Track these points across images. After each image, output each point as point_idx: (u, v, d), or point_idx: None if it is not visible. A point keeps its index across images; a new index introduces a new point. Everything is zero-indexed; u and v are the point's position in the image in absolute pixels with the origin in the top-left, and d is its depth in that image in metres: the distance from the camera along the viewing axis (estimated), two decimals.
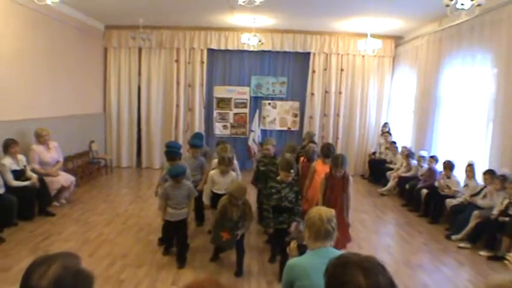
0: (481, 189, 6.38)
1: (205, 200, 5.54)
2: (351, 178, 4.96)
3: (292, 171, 4.67)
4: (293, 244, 3.02)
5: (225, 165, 5.33)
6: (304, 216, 4.53)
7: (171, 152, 5.49)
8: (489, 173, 6.18)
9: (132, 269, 4.67)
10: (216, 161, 6.07)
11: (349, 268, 1.48)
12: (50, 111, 7.76)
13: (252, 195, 6.43)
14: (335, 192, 4.81)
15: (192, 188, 5.01)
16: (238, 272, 4.67)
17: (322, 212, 2.64)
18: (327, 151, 5.53)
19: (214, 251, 5.05)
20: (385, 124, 10.78)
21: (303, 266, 2.46)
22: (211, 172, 5.54)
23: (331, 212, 2.67)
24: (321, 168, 5.35)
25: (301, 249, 2.93)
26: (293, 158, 5.35)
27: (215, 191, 5.36)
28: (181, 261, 4.82)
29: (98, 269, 4.59)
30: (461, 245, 5.89)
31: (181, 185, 4.82)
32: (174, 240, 5.06)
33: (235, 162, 6.19)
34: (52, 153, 6.92)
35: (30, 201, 6.12)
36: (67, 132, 8.35)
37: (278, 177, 4.77)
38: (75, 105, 8.87)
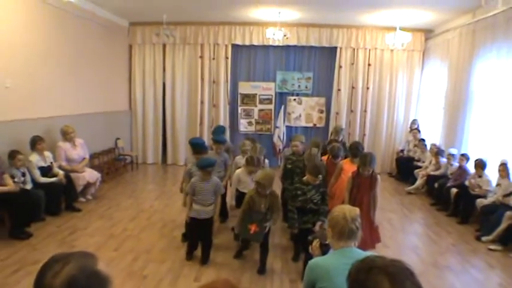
0: None
1: (230, 199, 5.46)
2: (378, 177, 4.80)
3: (320, 176, 4.54)
4: (315, 243, 2.94)
5: (253, 165, 5.22)
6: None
7: (197, 144, 5.38)
8: None
9: (155, 264, 4.68)
10: (239, 158, 6.04)
11: (373, 273, 1.37)
12: (77, 108, 7.88)
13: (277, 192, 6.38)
14: (362, 191, 4.69)
15: (219, 183, 4.86)
16: (261, 270, 4.61)
17: (346, 210, 2.54)
18: (356, 150, 5.36)
19: (238, 248, 4.99)
20: (414, 121, 10.49)
21: (325, 266, 2.38)
22: (238, 171, 5.45)
23: (356, 210, 2.57)
24: (349, 167, 5.20)
25: (324, 249, 2.85)
26: (323, 163, 5.15)
27: (241, 190, 5.29)
28: (205, 258, 4.77)
29: (122, 264, 4.66)
30: (492, 247, 5.66)
31: (209, 179, 4.67)
32: (198, 240, 4.86)
33: (266, 161, 6.19)
34: (78, 150, 7.02)
35: (57, 197, 6.23)
36: (93, 129, 8.46)
37: (304, 178, 4.64)
38: (101, 103, 8.98)
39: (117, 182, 8.60)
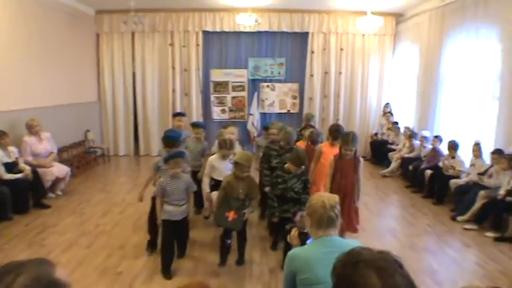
0: (488, 169, 6.22)
1: (206, 188, 5.07)
2: (361, 160, 4.62)
3: (303, 167, 4.39)
4: (294, 232, 2.86)
5: (226, 148, 4.97)
6: None
7: (169, 137, 4.90)
8: (497, 153, 5.98)
9: (129, 260, 4.53)
10: (215, 147, 5.80)
11: (360, 267, 1.27)
12: (42, 101, 7.55)
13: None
14: (345, 175, 4.49)
15: (190, 181, 4.39)
16: (240, 261, 4.51)
17: (325, 198, 2.45)
18: (336, 133, 5.07)
19: (220, 250, 4.48)
20: (387, 104, 10.56)
21: (304, 257, 2.30)
22: (210, 158, 5.20)
23: (335, 198, 2.48)
24: (329, 150, 5.02)
25: (303, 237, 2.77)
26: (305, 152, 4.73)
27: (216, 178, 5.06)
28: (182, 250, 4.61)
29: (95, 261, 4.49)
30: (467, 226, 5.74)
31: (179, 177, 4.20)
32: (173, 248, 4.36)
33: (238, 145, 5.93)
34: (44, 144, 6.73)
35: (24, 194, 5.97)
36: (61, 122, 8.15)
37: (286, 166, 4.47)
38: (68, 94, 8.65)
39: (88, 176, 8.34)
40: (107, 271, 4.25)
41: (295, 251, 2.42)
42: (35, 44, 7.32)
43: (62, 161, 7.58)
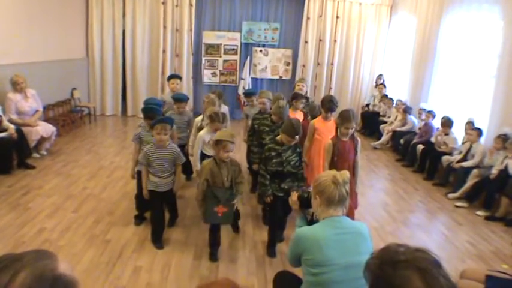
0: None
1: (197, 165, 4.63)
2: (359, 140, 4.27)
3: (297, 137, 3.92)
4: (293, 195, 2.74)
5: (218, 121, 4.50)
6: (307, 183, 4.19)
7: (148, 108, 4.50)
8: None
9: (118, 227, 4.40)
10: (199, 118, 5.28)
11: (401, 268, 1.18)
12: (27, 56, 7.18)
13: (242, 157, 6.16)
14: (345, 157, 4.09)
15: (178, 151, 4.08)
16: (235, 228, 4.43)
17: (336, 173, 2.31)
18: (330, 103, 4.70)
19: (210, 244, 4.01)
20: (380, 76, 10.44)
21: (313, 238, 2.20)
22: (201, 133, 4.71)
23: (346, 173, 2.33)
24: (322, 126, 4.69)
25: (302, 200, 2.67)
26: (298, 120, 4.17)
27: (207, 153, 4.61)
28: (173, 219, 4.50)
29: (82, 227, 4.36)
30: (459, 204, 5.76)
31: (165, 146, 3.94)
32: (163, 217, 4.20)
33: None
34: (30, 102, 6.44)
35: (7, 154, 5.73)
36: (46, 79, 7.81)
37: (278, 137, 4.02)
38: (54, 50, 8.25)
39: (74, 136, 8.09)
40: (95, 238, 4.13)
41: (303, 230, 2.32)
42: None
43: (47, 119, 7.31)
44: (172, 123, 4.07)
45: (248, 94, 6.19)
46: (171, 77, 6.15)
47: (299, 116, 5.14)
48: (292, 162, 3.97)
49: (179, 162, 4.08)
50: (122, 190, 5.47)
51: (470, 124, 6.51)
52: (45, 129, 6.56)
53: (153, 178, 3.97)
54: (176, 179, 4.13)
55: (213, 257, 3.92)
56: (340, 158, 4.08)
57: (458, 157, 6.41)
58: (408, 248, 1.26)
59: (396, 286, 1.17)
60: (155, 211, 4.12)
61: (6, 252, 1.08)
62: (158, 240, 4.09)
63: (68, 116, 8.46)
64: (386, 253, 1.26)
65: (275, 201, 4.00)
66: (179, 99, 5.37)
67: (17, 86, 6.24)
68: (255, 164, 4.79)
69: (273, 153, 3.93)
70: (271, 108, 5.13)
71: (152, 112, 4.36)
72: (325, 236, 2.19)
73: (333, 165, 4.04)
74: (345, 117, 4.04)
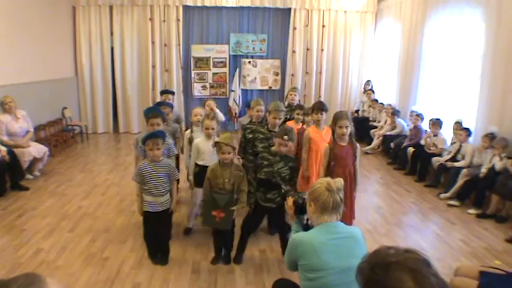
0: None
1: (191, 177, 4.62)
2: (358, 145, 4.11)
3: (285, 137, 3.77)
4: (289, 200, 2.80)
5: (208, 118, 4.42)
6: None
7: (149, 109, 4.49)
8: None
9: (115, 245, 4.40)
10: (188, 131, 5.16)
11: (392, 270, 1.23)
12: (17, 77, 7.21)
13: None
14: (342, 163, 3.92)
15: (172, 166, 3.96)
16: (226, 258, 4.11)
17: (330, 181, 2.36)
18: (319, 104, 4.70)
19: (215, 249, 4.13)
20: (368, 81, 10.59)
21: (310, 243, 2.26)
22: (196, 141, 4.56)
23: (340, 181, 2.39)
24: (316, 135, 4.55)
25: (299, 206, 2.74)
26: (293, 128, 4.11)
27: (201, 163, 4.45)
28: (165, 255, 4.10)
29: (79, 246, 4.36)
30: (451, 202, 5.84)
31: (159, 161, 3.83)
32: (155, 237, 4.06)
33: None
34: (20, 123, 6.45)
35: (0, 176, 5.74)
36: (37, 99, 7.85)
37: (272, 148, 3.95)
38: (43, 70, 8.30)
39: (67, 155, 8.10)
40: (92, 257, 4.12)
41: (300, 236, 2.37)
42: (6, 18, 6.95)
43: (38, 140, 7.33)
44: (164, 137, 3.95)
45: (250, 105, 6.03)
46: (164, 92, 6.15)
47: (325, 133, 4.64)
48: (282, 175, 3.87)
49: (174, 177, 3.98)
50: (117, 207, 5.48)
51: (458, 124, 6.61)
52: (37, 149, 6.57)
53: (148, 197, 3.82)
54: (173, 195, 4.00)
55: (215, 261, 4.04)
56: (337, 163, 3.93)
57: (448, 157, 6.50)
58: (398, 249, 1.31)
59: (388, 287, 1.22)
60: (148, 234, 4.01)
61: (2, 276, 1.10)
62: (154, 256, 4.08)
63: (60, 136, 8.47)
64: (377, 256, 1.31)
65: (256, 209, 3.96)
66: (162, 105, 5.28)
67: (5, 105, 6.25)
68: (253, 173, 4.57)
69: (265, 162, 3.89)
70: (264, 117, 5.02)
71: (154, 111, 4.39)
72: (320, 241, 2.24)
73: (330, 170, 3.93)
74: (337, 116, 3.95)
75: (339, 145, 3.97)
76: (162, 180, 3.82)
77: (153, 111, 4.37)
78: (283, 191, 3.10)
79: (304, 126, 5.11)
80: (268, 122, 4.73)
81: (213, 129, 4.44)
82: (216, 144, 3.85)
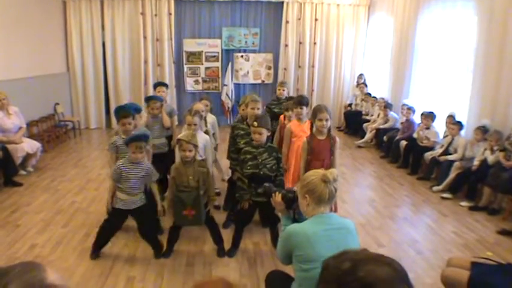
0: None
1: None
2: (338, 139, 4.11)
3: (255, 123, 3.83)
4: (277, 196, 2.75)
5: (189, 114, 4.40)
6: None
7: (118, 108, 4.42)
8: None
9: None
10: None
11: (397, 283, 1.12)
12: (8, 73, 7.14)
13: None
14: (318, 157, 3.96)
15: (151, 168, 3.94)
16: (221, 251, 4.14)
17: (325, 171, 2.36)
18: (299, 97, 4.72)
19: (169, 237, 4.11)
20: (360, 75, 10.61)
21: (305, 234, 2.26)
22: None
23: (335, 171, 2.39)
24: (297, 128, 4.57)
25: (288, 200, 2.71)
26: (267, 115, 4.29)
27: None
28: (157, 250, 4.09)
29: (73, 241, 4.37)
30: (444, 195, 5.89)
31: (140, 162, 3.82)
32: (114, 233, 4.08)
33: (212, 121, 5.31)
34: (13, 119, 6.41)
35: None
36: (28, 95, 7.77)
37: (253, 141, 3.95)
38: (34, 66, 8.22)
39: (60, 151, 8.06)
40: (87, 251, 4.09)
41: (294, 227, 2.37)
42: None
43: (31, 136, 7.29)
44: (147, 139, 3.94)
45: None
46: (157, 84, 6.00)
47: (306, 127, 4.50)
48: (268, 165, 3.87)
49: (153, 179, 3.96)
50: None
51: (451, 118, 6.65)
52: (30, 145, 6.54)
53: (122, 195, 3.82)
54: (156, 199, 4.01)
55: (166, 254, 4.07)
56: (313, 157, 3.98)
57: (440, 151, 6.55)
58: (383, 261, 1.17)
59: None
60: (111, 224, 4.00)
61: None
62: (96, 250, 4.04)
63: (53, 131, 8.42)
64: (376, 272, 1.14)
65: (251, 206, 3.98)
66: (150, 98, 5.22)
67: None
68: (236, 172, 4.52)
69: (248, 156, 3.90)
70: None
71: (123, 111, 4.30)
72: (314, 232, 2.26)
73: (307, 164, 3.98)
74: (316, 109, 3.97)
75: (316, 139, 4.01)
76: (138, 181, 3.83)
77: (124, 111, 4.26)
78: (262, 189, 3.00)
79: (286, 121, 5.08)
80: (246, 117, 4.70)
81: (195, 124, 4.42)
82: (178, 141, 3.83)
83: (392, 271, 1.13)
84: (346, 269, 1.14)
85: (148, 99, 5.24)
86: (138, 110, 4.72)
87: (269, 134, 4.06)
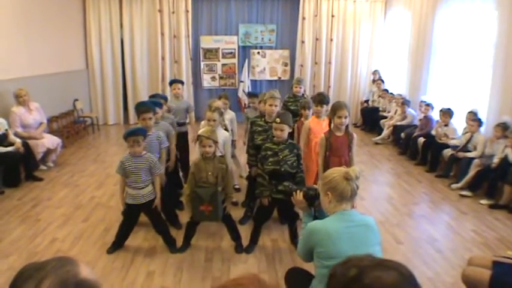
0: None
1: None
2: (355, 135, 4.11)
3: (278, 119, 3.84)
4: (299, 194, 2.73)
5: (210, 110, 4.51)
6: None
7: (140, 104, 4.54)
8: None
9: None
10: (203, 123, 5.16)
11: None
12: (29, 70, 7.27)
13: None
14: (337, 153, 3.97)
15: (154, 160, 3.97)
16: (239, 247, 4.15)
17: (348, 169, 2.34)
18: (320, 96, 4.73)
19: (185, 232, 4.18)
20: (375, 71, 10.50)
21: (327, 231, 2.26)
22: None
23: (356, 168, 2.37)
24: (316, 126, 4.58)
25: (310, 197, 2.70)
26: (288, 113, 4.19)
27: None
28: (171, 245, 4.15)
29: (94, 236, 4.44)
30: (463, 193, 5.81)
31: (140, 154, 3.88)
32: (131, 229, 4.19)
33: (230, 117, 5.49)
34: (34, 115, 6.53)
35: (15, 167, 5.82)
36: (48, 91, 7.90)
37: (275, 138, 3.95)
38: (55, 63, 8.36)
39: (79, 147, 8.19)
40: (107, 246, 4.16)
41: (315, 224, 2.37)
42: (18, 11, 6.98)
43: (51, 131, 7.40)
44: (144, 134, 3.96)
45: (253, 95, 6.18)
46: (173, 82, 6.11)
47: (325, 125, 4.45)
48: (289, 162, 3.87)
49: (155, 171, 3.97)
50: None
51: (472, 114, 6.52)
52: (50, 141, 6.65)
53: (130, 190, 3.92)
54: (157, 191, 4.03)
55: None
56: (332, 153, 3.98)
57: (457, 143, 6.48)
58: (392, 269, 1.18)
59: None
60: (126, 221, 4.12)
61: (28, 263, 1.12)
62: (114, 246, 4.13)
63: (72, 127, 8.55)
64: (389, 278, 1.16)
65: (271, 203, 3.99)
66: (173, 81, 6.11)
67: (19, 98, 6.31)
68: (254, 167, 4.56)
69: (269, 153, 3.91)
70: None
71: (144, 106, 4.38)
72: (336, 228, 2.25)
73: (326, 160, 3.98)
74: (336, 106, 3.96)
75: (334, 135, 4.01)
76: (142, 174, 3.89)
77: (144, 106, 4.37)
78: (284, 187, 2.95)
79: (302, 119, 5.09)
80: (265, 113, 4.72)
81: (214, 120, 4.50)
82: (198, 137, 3.90)
83: (399, 276, 1.14)
84: (353, 276, 1.16)
85: (171, 82, 6.09)
86: (158, 105, 4.76)
87: (290, 130, 4.09)
